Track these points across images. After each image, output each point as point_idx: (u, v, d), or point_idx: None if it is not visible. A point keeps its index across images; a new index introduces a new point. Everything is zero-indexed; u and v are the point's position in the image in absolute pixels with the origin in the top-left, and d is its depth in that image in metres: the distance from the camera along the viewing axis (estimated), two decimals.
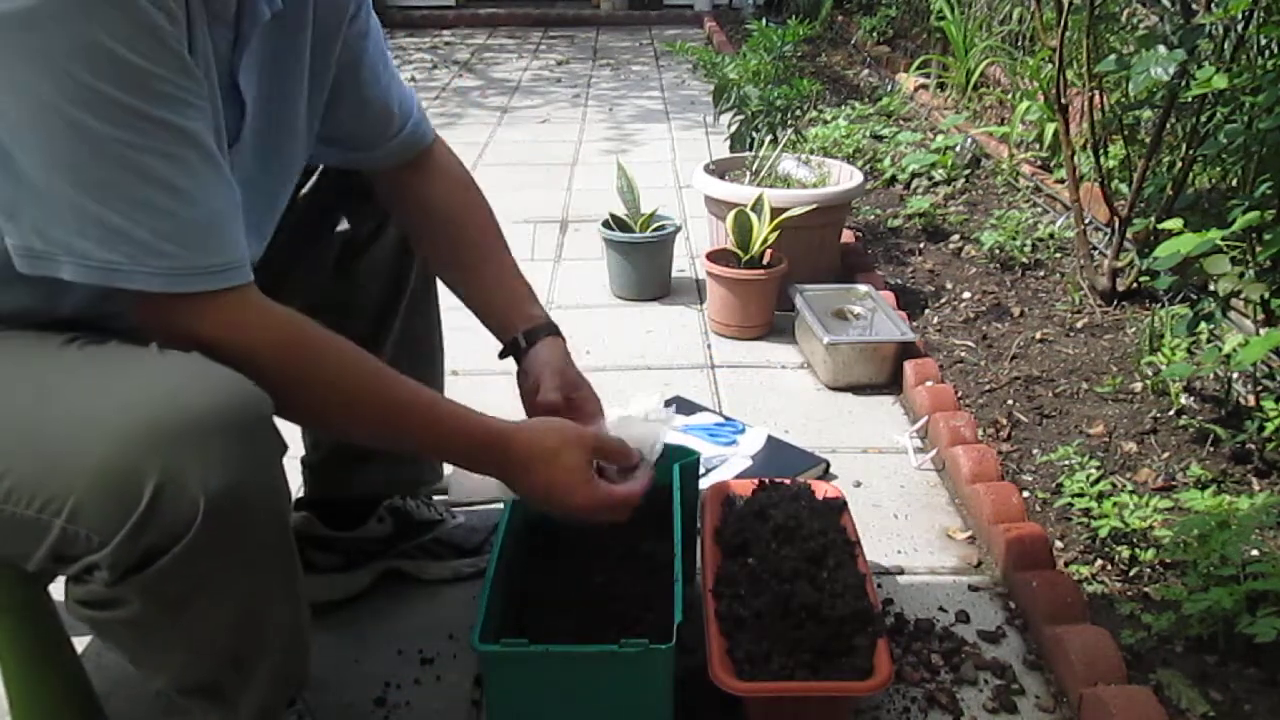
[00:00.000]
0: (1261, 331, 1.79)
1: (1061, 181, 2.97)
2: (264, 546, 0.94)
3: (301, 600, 1.04)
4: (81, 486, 0.84)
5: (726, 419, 2.01)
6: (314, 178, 1.30)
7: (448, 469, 1.65)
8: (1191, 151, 2.16)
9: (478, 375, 2.04)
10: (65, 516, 0.85)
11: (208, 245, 0.88)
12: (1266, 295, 1.72)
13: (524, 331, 1.29)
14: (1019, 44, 3.91)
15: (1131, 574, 1.56)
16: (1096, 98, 2.39)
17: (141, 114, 0.82)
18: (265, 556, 0.95)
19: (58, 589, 1.13)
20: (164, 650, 0.96)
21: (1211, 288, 1.72)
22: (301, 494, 1.54)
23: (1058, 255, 2.76)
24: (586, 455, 1.12)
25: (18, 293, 0.93)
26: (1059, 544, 1.64)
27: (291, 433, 0.97)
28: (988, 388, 2.13)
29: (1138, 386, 2.07)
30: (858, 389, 2.17)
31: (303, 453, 1.50)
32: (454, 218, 1.32)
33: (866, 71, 5.36)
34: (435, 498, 1.61)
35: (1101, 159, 2.45)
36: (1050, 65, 2.83)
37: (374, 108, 1.23)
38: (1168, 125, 2.27)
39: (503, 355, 1.32)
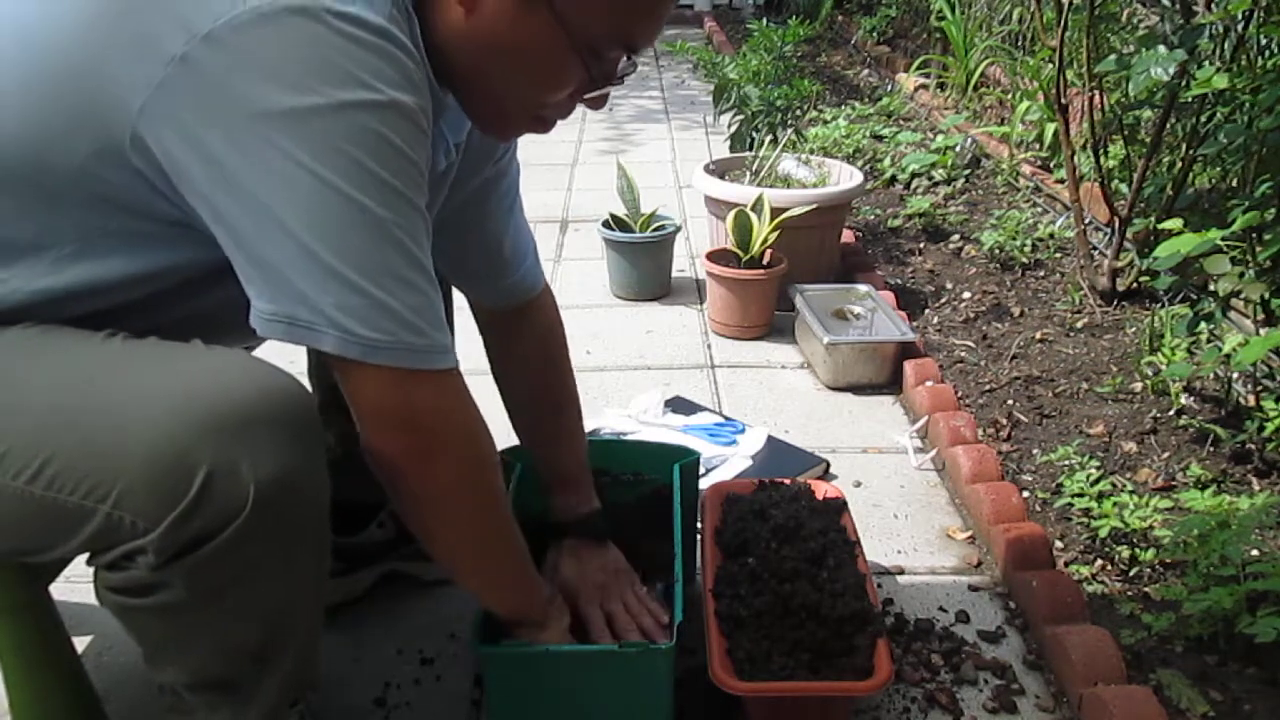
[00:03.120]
0: (1261, 331, 1.79)
1: (1061, 181, 2.97)
2: (305, 539, 0.95)
3: (324, 598, 1.05)
4: (131, 472, 0.85)
5: (726, 419, 2.01)
6: None
7: None
8: (1191, 151, 2.16)
9: (478, 375, 2.04)
10: (111, 502, 0.86)
11: (442, 324, 0.93)
12: (1266, 295, 1.72)
13: (554, 524, 1.39)
14: (1019, 44, 3.91)
15: (1131, 574, 1.56)
16: (1096, 98, 2.39)
17: (405, 198, 0.88)
18: (305, 549, 0.96)
19: (58, 589, 1.14)
20: (193, 640, 0.96)
21: (1211, 288, 1.72)
22: None
23: (1058, 255, 2.76)
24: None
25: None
26: (1059, 544, 1.64)
27: None
28: (988, 388, 2.13)
29: (1138, 386, 2.07)
30: (858, 389, 2.17)
31: None
32: (534, 383, 1.40)
33: (866, 71, 5.36)
34: None
35: (1101, 159, 2.45)
36: (1050, 65, 2.83)
37: (486, 242, 1.29)
38: (1168, 125, 2.27)
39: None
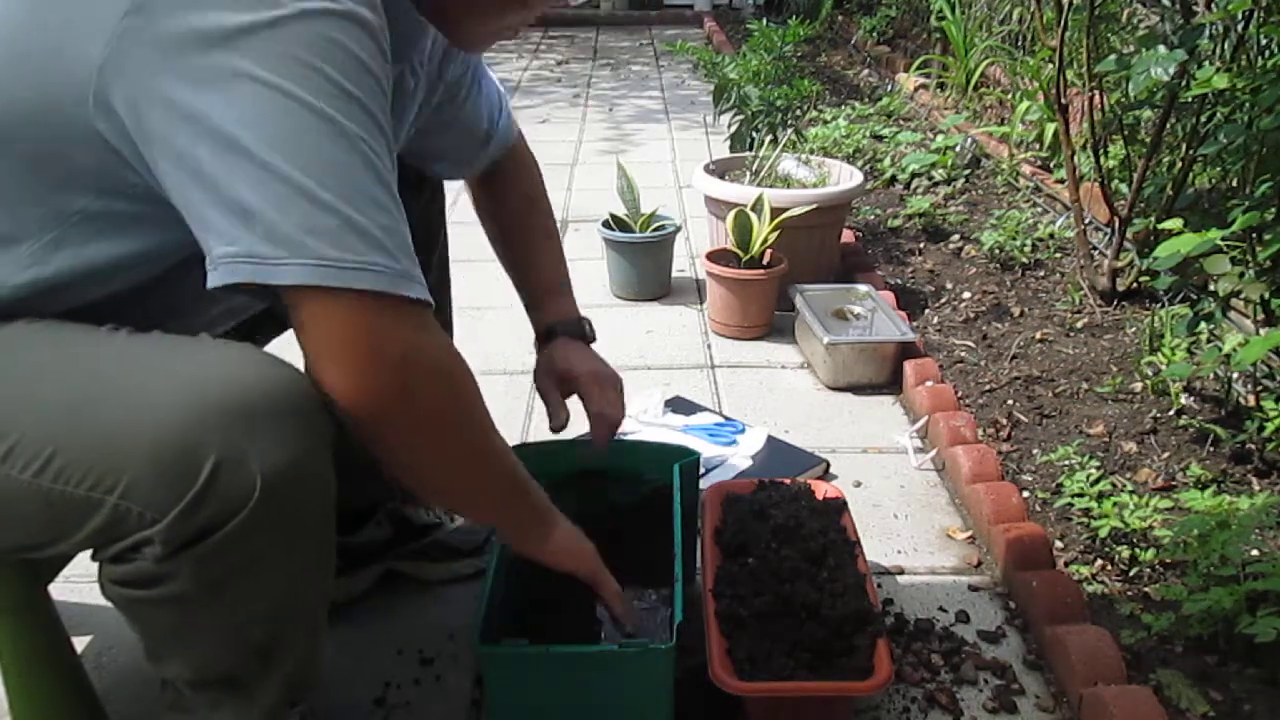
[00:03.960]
0: (1261, 331, 1.79)
1: (1061, 181, 2.97)
2: (311, 531, 0.95)
3: (328, 595, 1.04)
4: (138, 463, 0.85)
5: (726, 419, 2.01)
6: None
7: None
8: (1191, 151, 2.16)
9: (491, 376, 2.05)
10: (119, 493, 0.86)
11: (411, 253, 0.88)
12: (1266, 295, 1.72)
13: (545, 327, 1.43)
14: (1019, 44, 3.91)
15: (1131, 574, 1.56)
16: (1096, 98, 2.39)
17: (370, 114, 0.85)
18: (310, 541, 0.96)
19: (58, 589, 1.14)
20: (198, 634, 0.96)
21: (1211, 288, 1.72)
22: None
23: (1058, 255, 2.76)
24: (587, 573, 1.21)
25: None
26: (1059, 544, 1.64)
27: None
28: (988, 388, 2.13)
29: (1138, 386, 2.07)
30: (858, 389, 2.17)
31: None
32: (518, 221, 1.47)
33: (866, 71, 5.36)
34: None
35: (1101, 159, 2.45)
36: (1050, 65, 2.83)
37: (469, 126, 1.35)
38: (1168, 125, 2.27)
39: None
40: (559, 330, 1.42)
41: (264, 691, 1.01)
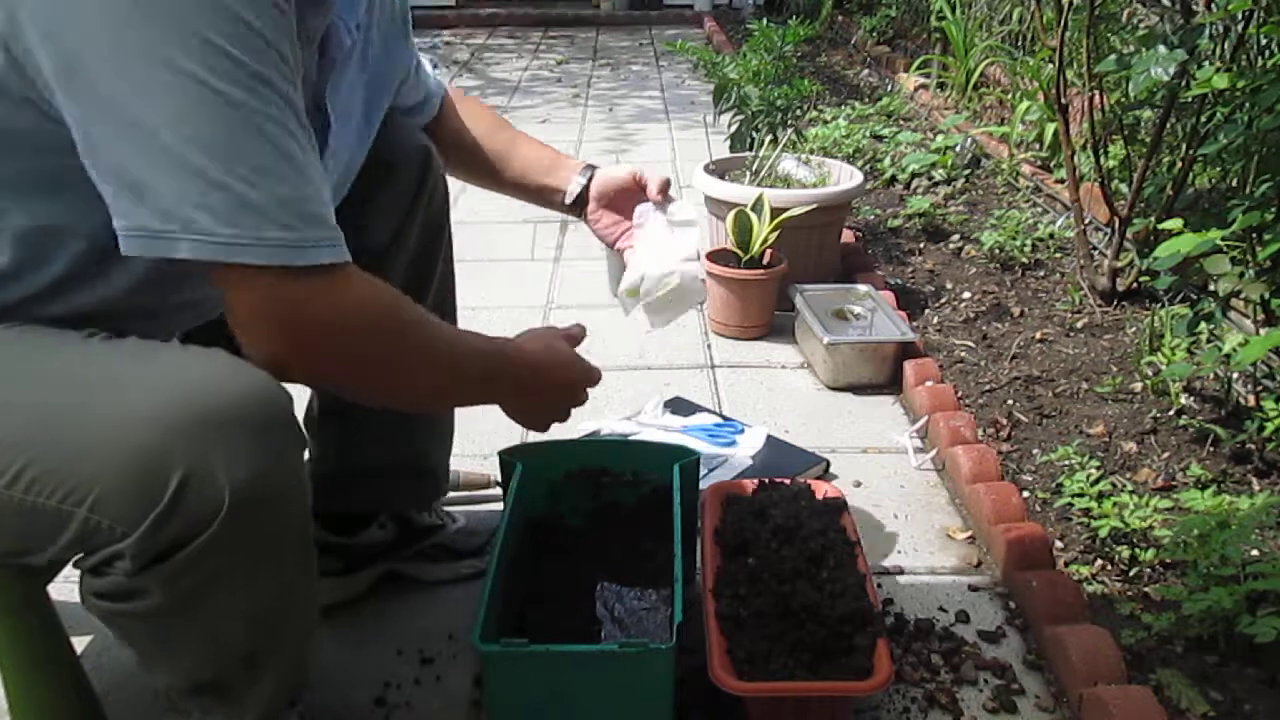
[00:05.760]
0: (1261, 331, 1.79)
1: (1061, 181, 2.97)
2: (285, 542, 0.94)
3: (315, 600, 1.04)
4: (107, 476, 0.84)
5: (726, 419, 2.01)
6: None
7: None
8: (1191, 151, 2.15)
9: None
10: (88, 506, 0.86)
11: (318, 219, 0.87)
12: (1266, 295, 1.72)
13: (582, 168, 1.55)
14: (1019, 44, 3.91)
15: (1131, 574, 1.56)
16: (1096, 98, 2.39)
17: (264, 79, 0.83)
18: (286, 552, 0.95)
19: (57, 589, 1.14)
20: (179, 645, 0.96)
21: (1211, 288, 1.72)
22: None
23: (1058, 255, 2.76)
24: (564, 340, 1.23)
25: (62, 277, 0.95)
26: (1059, 544, 1.64)
27: None
28: (988, 388, 2.13)
29: (1138, 386, 2.07)
30: (858, 389, 2.17)
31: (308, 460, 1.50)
32: (479, 140, 1.49)
33: (866, 71, 5.36)
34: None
35: (1101, 159, 2.45)
36: (1050, 65, 2.83)
37: (406, 75, 1.35)
38: (1168, 125, 2.27)
39: (570, 210, 1.57)
40: (588, 170, 1.55)
41: (254, 697, 1.00)
